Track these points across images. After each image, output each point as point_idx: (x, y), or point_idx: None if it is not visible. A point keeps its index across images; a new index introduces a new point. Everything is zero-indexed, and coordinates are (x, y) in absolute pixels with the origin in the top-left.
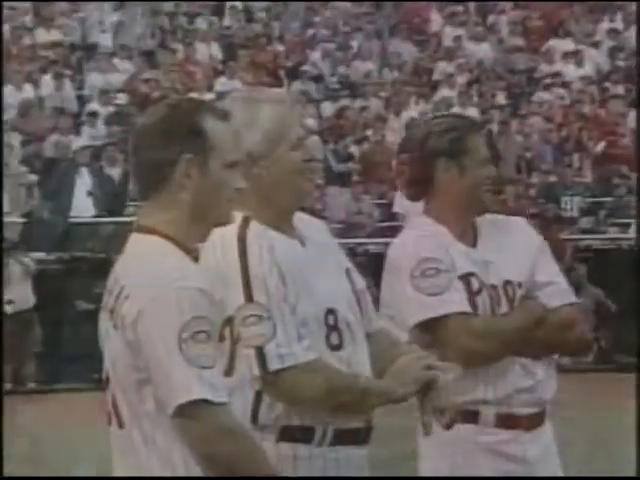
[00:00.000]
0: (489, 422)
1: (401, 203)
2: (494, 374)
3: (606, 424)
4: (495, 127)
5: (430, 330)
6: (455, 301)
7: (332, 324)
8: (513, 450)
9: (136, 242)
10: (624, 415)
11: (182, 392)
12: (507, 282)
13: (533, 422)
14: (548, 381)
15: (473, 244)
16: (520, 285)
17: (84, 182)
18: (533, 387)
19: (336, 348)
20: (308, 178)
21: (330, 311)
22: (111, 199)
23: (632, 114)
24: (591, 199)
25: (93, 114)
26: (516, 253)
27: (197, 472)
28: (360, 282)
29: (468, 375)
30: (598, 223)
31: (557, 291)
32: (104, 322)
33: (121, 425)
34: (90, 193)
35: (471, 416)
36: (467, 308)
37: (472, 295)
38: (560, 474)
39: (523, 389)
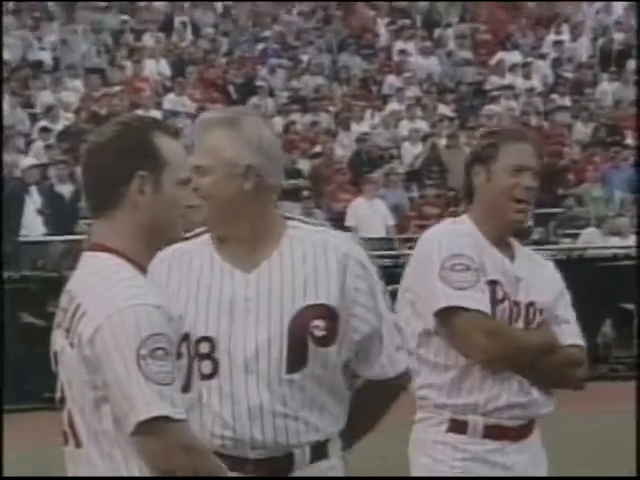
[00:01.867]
0: (477, 432)
1: (354, 217)
2: (490, 383)
3: (549, 436)
4: (443, 140)
5: (448, 320)
6: (477, 299)
7: (205, 352)
8: (500, 459)
9: (90, 260)
10: (565, 425)
11: (142, 409)
12: (530, 303)
13: (521, 433)
14: (544, 400)
15: (510, 257)
16: (541, 311)
17: (33, 200)
18: (527, 404)
19: (206, 377)
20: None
21: (204, 339)
22: (61, 217)
23: (578, 125)
24: (541, 210)
25: (45, 130)
26: (544, 284)
27: None
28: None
29: (468, 377)
30: (548, 234)
31: (571, 331)
32: (59, 341)
33: (78, 445)
34: (40, 211)
35: (461, 426)
36: (487, 309)
37: (494, 302)
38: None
39: (516, 404)
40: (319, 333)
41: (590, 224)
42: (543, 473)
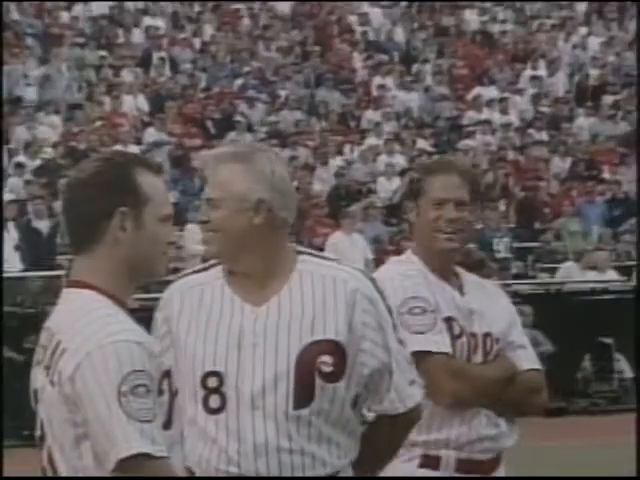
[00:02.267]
0: (450, 466)
1: (332, 251)
2: (459, 420)
3: (531, 468)
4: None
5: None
6: (439, 341)
7: (213, 387)
8: None
9: (70, 296)
10: (545, 457)
11: (123, 447)
12: (486, 334)
13: (491, 466)
14: (509, 431)
15: (460, 291)
16: (497, 340)
17: (11, 236)
18: (496, 436)
19: (214, 412)
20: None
21: (213, 373)
22: (39, 253)
23: (555, 159)
24: (519, 244)
25: (19, 165)
26: (496, 311)
27: None
28: (327, 357)
29: (436, 415)
30: (526, 268)
31: (527, 356)
32: (39, 378)
33: None
34: (18, 247)
35: (433, 461)
36: (449, 349)
37: (452, 338)
38: None
39: (486, 437)
40: (327, 369)
41: (568, 258)
42: None
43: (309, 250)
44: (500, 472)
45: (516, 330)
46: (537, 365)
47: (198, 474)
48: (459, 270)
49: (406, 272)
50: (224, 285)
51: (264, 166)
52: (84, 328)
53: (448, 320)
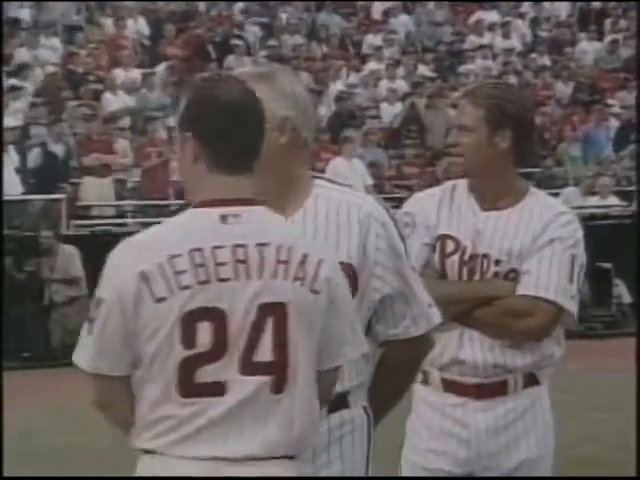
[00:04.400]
0: (437, 385)
1: (332, 176)
2: (438, 338)
3: None
4: (423, 100)
5: None
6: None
7: None
8: (460, 415)
9: (265, 212)
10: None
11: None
12: (484, 255)
13: (485, 392)
14: (502, 353)
15: (488, 209)
16: (498, 262)
17: (11, 159)
18: (467, 361)
19: None
20: None
21: None
22: (40, 176)
23: (558, 84)
24: (519, 170)
25: (16, 88)
26: (512, 234)
27: None
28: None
29: None
30: None
31: (527, 282)
32: (284, 290)
33: (282, 391)
34: (18, 170)
35: (423, 375)
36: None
37: (442, 256)
38: (516, 447)
39: (463, 361)
40: None
41: (569, 184)
42: (529, 440)
43: (326, 176)
44: (504, 401)
45: (538, 255)
46: (534, 292)
47: None
48: (529, 191)
49: (429, 192)
50: None
51: (285, 85)
52: (318, 240)
53: (442, 237)
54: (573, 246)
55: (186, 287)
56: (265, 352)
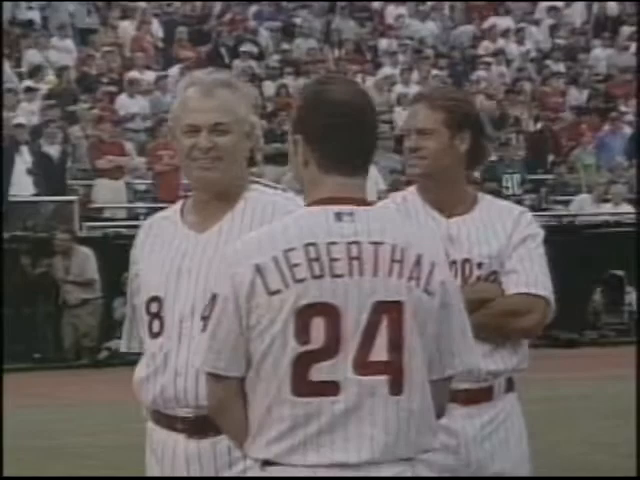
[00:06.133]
0: None
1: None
2: None
3: (541, 400)
4: None
5: None
6: None
7: (154, 312)
8: (445, 422)
9: (384, 213)
10: (556, 389)
11: None
12: (466, 260)
13: (471, 398)
14: (490, 357)
15: (449, 216)
16: (480, 265)
17: (24, 160)
18: None
19: (155, 336)
20: (198, 165)
21: (153, 299)
22: (51, 178)
23: (572, 91)
24: (532, 176)
25: (30, 90)
26: (486, 236)
27: None
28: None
29: None
30: (540, 200)
31: (517, 280)
32: (397, 289)
33: (399, 392)
34: (30, 171)
35: None
36: None
37: None
38: (503, 453)
39: None
40: None
41: (582, 191)
42: (509, 447)
43: (263, 181)
44: (489, 407)
45: (516, 254)
46: (526, 289)
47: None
48: (479, 198)
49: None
50: (180, 216)
51: (248, 92)
52: (432, 243)
53: None
54: (540, 242)
55: (301, 280)
56: (380, 351)
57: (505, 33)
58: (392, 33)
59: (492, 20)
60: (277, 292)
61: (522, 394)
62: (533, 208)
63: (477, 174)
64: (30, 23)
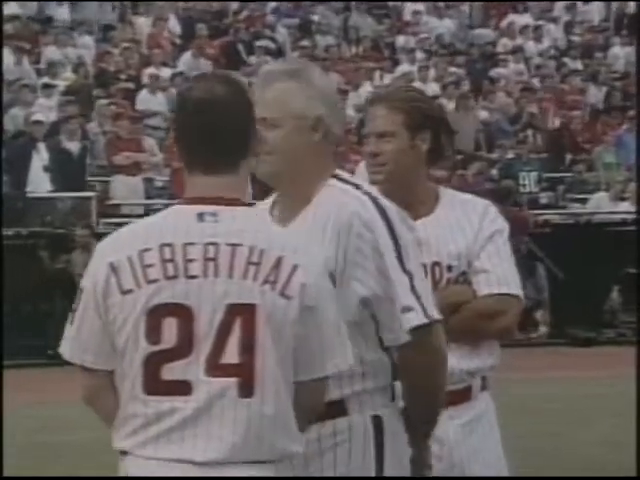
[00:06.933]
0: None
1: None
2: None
3: (555, 398)
4: (453, 102)
5: None
6: None
7: None
8: None
9: (243, 213)
10: (574, 388)
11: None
12: (435, 263)
13: (451, 399)
14: (468, 358)
15: (415, 218)
16: (450, 268)
17: (41, 157)
18: None
19: None
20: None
21: None
22: (69, 174)
23: (591, 89)
24: (549, 174)
25: (48, 87)
26: (452, 237)
27: None
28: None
29: None
30: (557, 198)
31: (487, 280)
32: (249, 293)
33: (250, 394)
34: (47, 168)
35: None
36: None
37: None
38: (483, 451)
39: None
40: None
41: (600, 189)
42: (487, 445)
43: (341, 174)
44: (467, 408)
45: (484, 253)
46: (497, 289)
47: None
48: (441, 194)
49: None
50: (271, 209)
51: (317, 81)
52: (300, 244)
53: None
54: (506, 237)
55: (153, 281)
56: (232, 354)
57: (523, 30)
58: (409, 30)
59: (510, 17)
60: (129, 292)
61: (540, 392)
62: (550, 206)
63: (494, 171)
64: (49, 19)
